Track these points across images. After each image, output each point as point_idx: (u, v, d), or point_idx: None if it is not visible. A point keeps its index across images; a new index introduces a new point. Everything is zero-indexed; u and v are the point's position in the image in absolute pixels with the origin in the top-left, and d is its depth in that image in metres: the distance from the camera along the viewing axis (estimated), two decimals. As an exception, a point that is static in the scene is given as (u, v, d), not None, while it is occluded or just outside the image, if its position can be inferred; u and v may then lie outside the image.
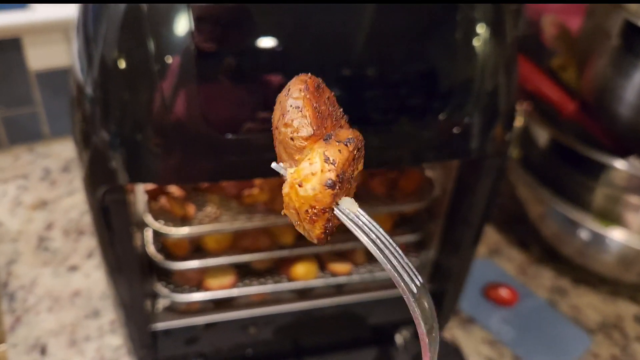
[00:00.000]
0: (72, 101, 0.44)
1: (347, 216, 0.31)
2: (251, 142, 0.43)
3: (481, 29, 0.45)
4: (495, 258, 0.82)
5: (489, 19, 0.45)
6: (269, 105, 0.37)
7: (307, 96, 0.30)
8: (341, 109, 0.34)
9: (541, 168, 0.78)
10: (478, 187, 0.54)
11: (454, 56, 0.45)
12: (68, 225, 0.80)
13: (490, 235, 0.86)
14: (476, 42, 0.45)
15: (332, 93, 0.33)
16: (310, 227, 0.31)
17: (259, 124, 0.42)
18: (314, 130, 0.30)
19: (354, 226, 0.31)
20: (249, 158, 0.43)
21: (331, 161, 0.29)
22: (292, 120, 0.30)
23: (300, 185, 0.30)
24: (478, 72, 0.45)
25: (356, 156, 0.31)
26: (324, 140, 0.30)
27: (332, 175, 0.29)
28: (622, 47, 0.67)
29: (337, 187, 0.30)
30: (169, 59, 0.40)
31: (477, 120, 0.47)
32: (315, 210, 0.30)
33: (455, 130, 0.46)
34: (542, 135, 0.77)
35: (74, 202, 0.83)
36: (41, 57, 0.85)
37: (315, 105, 0.30)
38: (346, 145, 0.30)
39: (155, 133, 0.42)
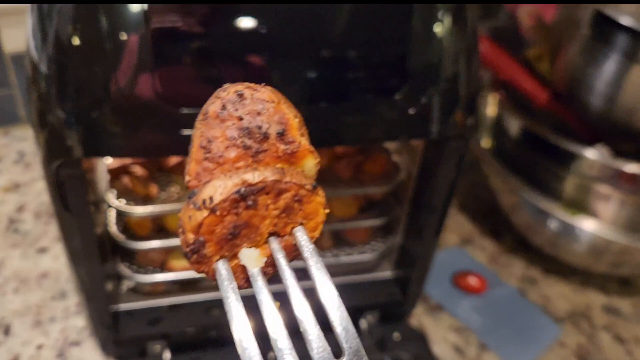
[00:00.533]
0: (27, 81, 0.44)
1: (222, 277, 0.25)
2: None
3: (442, 15, 0.45)
4: (467, 247, 0.82)
5: (450, 7, 0.45)
6: (224, 79, 0.38)
7: (199, 127, 0.25)
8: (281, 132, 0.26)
9: (513, 158, 0.78)
10: (440, 171, 0.54)
11: (413, 40, 0.45)
12: (39, 208, 0.80)
13: (464, 225, 0.86)
14: (437, 28, 0.45)
15: (277, 101, 0.25)
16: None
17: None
18: (189, 179, 0.25)
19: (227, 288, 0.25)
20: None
21: (180, 229, 0.25)
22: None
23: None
24: (436, 56, 0.46)
25: (242, 210, 0.24)
26: (188, 197, 0.25)
27: (183, 245, 0.25)
28: (592, 37, 0.67)
29: (197, 255, 0.25)
30: (124, 36, 0.40)
31: (436, 102, 0.47)
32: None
33: (411, 110, 0.46)
34: (514, 125, 0.77)
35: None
36: (16, 39, 0.84)
37: (204, 138, 0.25)
38: (200, 209, 0.24)
39: (111, 110, 0.41)
